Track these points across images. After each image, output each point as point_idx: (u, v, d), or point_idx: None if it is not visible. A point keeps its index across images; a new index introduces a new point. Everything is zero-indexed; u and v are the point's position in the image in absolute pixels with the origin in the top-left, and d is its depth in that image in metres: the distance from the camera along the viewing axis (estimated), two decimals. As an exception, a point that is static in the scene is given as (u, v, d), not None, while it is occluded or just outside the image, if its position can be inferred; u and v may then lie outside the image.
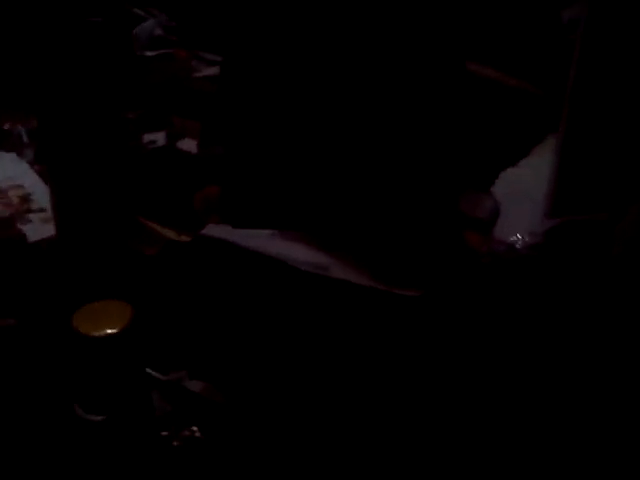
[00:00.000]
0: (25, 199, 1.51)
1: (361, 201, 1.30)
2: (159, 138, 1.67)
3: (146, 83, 1.78)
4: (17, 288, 1.30)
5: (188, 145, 1.63)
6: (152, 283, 1.28)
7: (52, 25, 1.44)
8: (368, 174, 1.30)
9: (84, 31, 1.44)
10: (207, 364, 1.17)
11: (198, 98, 1.71)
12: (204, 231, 1.35)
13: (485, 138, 1.46)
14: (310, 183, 1.33)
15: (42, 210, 1.48)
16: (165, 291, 1.27)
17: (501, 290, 1.26)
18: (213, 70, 1.72)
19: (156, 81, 1.81)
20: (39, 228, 1.44)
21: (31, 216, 1.47)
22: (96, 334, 1.02)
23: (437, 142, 1.32)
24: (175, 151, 1.64)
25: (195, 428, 1.08)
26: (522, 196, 1.40)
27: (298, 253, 1.28)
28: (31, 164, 1.60)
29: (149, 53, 1.89)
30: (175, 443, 1.07)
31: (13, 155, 1.63)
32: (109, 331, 1.02)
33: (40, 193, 1.51)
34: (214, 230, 1.34)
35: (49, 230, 1.42)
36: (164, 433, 1.07)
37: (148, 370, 1.12)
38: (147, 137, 1.66)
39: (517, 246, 1.32)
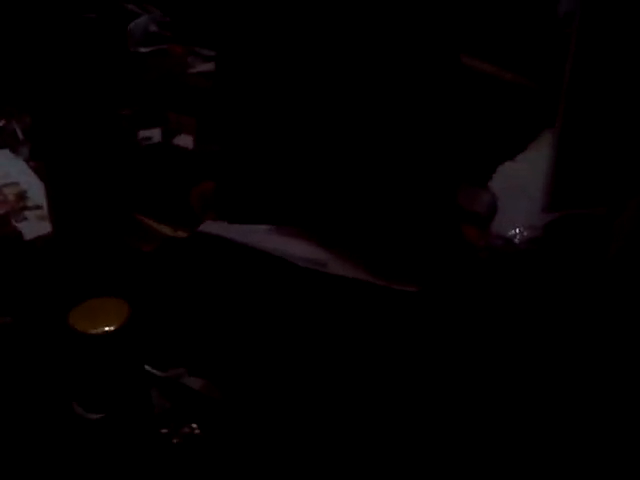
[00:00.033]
0: (21, 196, 1.51)
1: (358, 196, 1.30)
2: (155, 134, 1.66)
3: (141, 79, 1.78)
4: (13, 286, 1.29)
5: (184, 141, 1.63)
6: (149, 280, 1.28)
7: (47, 22, 1.43)
8: (365, 169, 1.30)
9: (78, 28, 1.44)
10: (206, 361, 1.17)
11: (193, 94, 1.71)
12: (201, 228, 1.34)
13: (482, 133, 1.46)
14: (307, 178, 1.32)
15: (38, 207, 1.47)
16: (162, 288, 1.27)
17: (499, 284, 1.26)
18: (208, 66, 1.72)
19: (151, 77, 1.80)
20: (35, 225, 1.44)
21: (27, 213, 1.47)
22: (93, 332, 1.01)
23: (434, 137, 1.31)
24: (171, 147, 1.64)
25: (195, 425, 1.08)
26: (519, 190, 1.40)
27: (296, 249, 1.28)
28: (26, 161, 1.59)
29: (144, 49, 1.89)
30: (175, 440, 1.06)
31: (8, 152, 1.62)
32: (106, 329, 1.02)
33: (36, 190, 1.50)
34: (211, 227, 1.34)
35: (45, 227, 1.41)
36: (163, 430, 1.07)
37: (147, 367, 1.12)
38: (142, 133, 1.65)
39: (515, 240, 1.32)
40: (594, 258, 1.25)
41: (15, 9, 1.62)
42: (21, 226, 1.44)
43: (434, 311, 1.21)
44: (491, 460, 1.05)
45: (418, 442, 1.07)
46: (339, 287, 1.23)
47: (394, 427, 1.09)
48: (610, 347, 1.16)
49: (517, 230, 1.33)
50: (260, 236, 1.30)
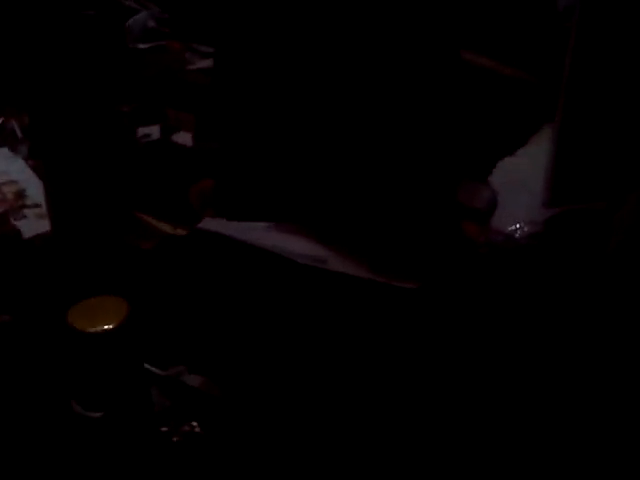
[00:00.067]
0: (19, 195, 1.51)
1: (358, 193, 1.30)
2: (154, 131, 1.66)
3: (140, 76, 1.78)
4: (12, 284, 1.29)
5: (183, 138, 1.63)
6: (148, 278, 1.28)
7: (45, 19, 1.43)
8: (365, 165, 1.29)
9: (77, 24, 1.43)
10: (206, 359, 1.17)
11: (192, 91, 1.70)
12: (200, 225, 1.34)
13: (481, 128, 1.45)
14: (306, 175, 1.32)
15: (37, 206, 1.47)
16: (162, 286, 1.26)
17: (499, 280, 1.26)
18: (207, 62, 1.72)
19: (150, 74, 1.80)
20: (34, 224, 1.44)
21: (26, 212, 1.47)
22: (92, 330, 1.01)
23: (434, 133, 1.31)
24: (170, 144, 1.63)
25: (195, 423, 1.08)
26: (519, 186, 1.39)
27: (295, 246, 1.27)
28: (25, 160, 1.59)
29: (142, 46, 1.88)
30: (175, 439, 1.06)
31: (7, 151, 1.62)
32: (105, 327, 1.01)
33: (34, 189, 1.50)
34: (210, 224, 1.34)
35: (44, 226, 1.41)
36: (164, 429, 1.07)
37: (146, 365, 1.12)
38: (141, 131, 1.65)
39: (516, 236, 1.32)
40: (594, 252, 1.25)
41: (13, 6, 1.62)
42: (20, 224, 1.44)
43: (434, 307, 1.21)
44: (491, 458, 1.05)
45: (418, 439, 1.07)
46: (339, 284, 1.23)
47: (394, 424, 1.08)
48: (610, 341, 1.16)
49: (517, 225, 1.33)
50: (259, 233, 1.30)
